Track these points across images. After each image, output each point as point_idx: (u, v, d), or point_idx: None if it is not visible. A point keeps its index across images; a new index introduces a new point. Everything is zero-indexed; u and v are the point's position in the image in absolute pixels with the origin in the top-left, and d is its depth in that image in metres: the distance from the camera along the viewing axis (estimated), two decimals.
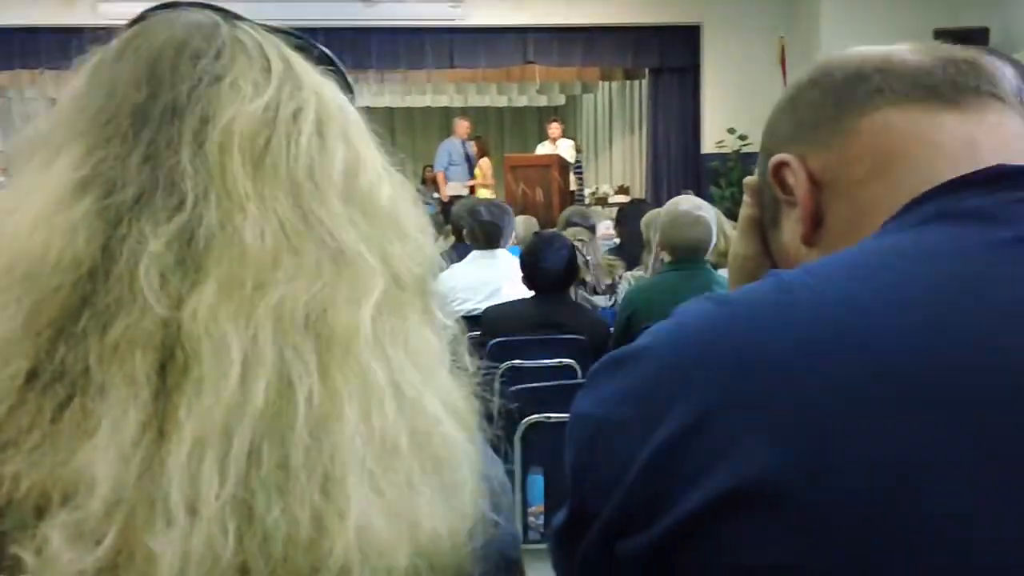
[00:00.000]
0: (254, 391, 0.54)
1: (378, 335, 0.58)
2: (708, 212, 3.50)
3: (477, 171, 11.22)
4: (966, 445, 0.56)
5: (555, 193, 9.88)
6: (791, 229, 0.79)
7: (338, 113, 0.65)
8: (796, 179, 0.77)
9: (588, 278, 4.13)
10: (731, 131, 10.79)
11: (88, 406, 0.53)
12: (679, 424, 0.60)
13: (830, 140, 0.76)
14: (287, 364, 0.55)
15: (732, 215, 4.94)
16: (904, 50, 0.77)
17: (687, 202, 3.53)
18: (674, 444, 0.60)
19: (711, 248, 3.53)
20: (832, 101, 0.76)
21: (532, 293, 3.55)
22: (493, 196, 10.35)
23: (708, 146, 11.28)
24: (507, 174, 10.20)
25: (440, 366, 0.62)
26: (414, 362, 0.60)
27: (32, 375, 0.54)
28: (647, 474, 0.61)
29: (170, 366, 0.54)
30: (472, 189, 11.02)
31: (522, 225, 4.99)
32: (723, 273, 3.60)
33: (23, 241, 0.56)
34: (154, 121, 0.60)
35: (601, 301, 4.12)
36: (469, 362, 0.65)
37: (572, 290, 3.76)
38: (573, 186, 11.24)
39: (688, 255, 3.39)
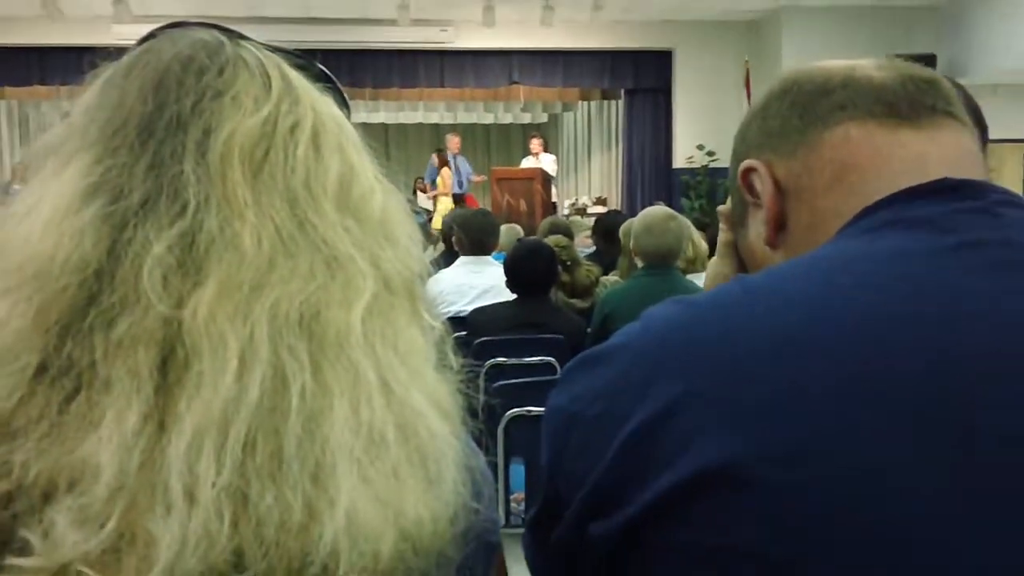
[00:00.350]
0: (250, 386, 0.53)
1: (368, 335, 0.58)
2: (678, 222, 3.50)
3: (439, 181, 11.27)
4: (907, 442, 0.56)
5: (538, 204, 9.88)
6: (756, 229, 0.79)
7: (334, 127, 0.64)
8: (762, 184, 0.77)
9: (567, 280, 4.12)
10: (700, 147, 10.84)
11: (93, 399, 0.53)
12: (649, 414, 0.60)
13: (795, 150, 0.76)
14: (282, 361, 0.55)
15: (700, 225, 4.95)
16: (868, 66, 0.77)
17: (659, 212, 3.53)
18: (645, 432, 0.60)
19: (681, 255, 3.54)
20: (799, 113, 0.76)
21: (515, 296, 3.55)
22: (452, 205, 10.48)
23: (679, 161, 11.33)
24: (493, 186, 10.19)
25: (426, 364, 0.62)
26: (402, 360, 0.59)
27: (41, 369, 0.53)
28: (620, 459, 0.61)
29: (171, 362, 0.54)
30: (435, 199, 11.10)
31: (507, 233, 4.98)
32: (691, 278, 3.61)
33: (34, 243, 0.56)
34: (159, 132, 0.59)
35: (579, 303, 4.12)
36: (454, 360, 0.65)
37: (552, 293, 3.75)
38: (555, 197, 11.25)
39: (659, 261, 3.39)
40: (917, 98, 0.74)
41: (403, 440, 0.57)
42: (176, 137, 0.59)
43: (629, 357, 0.65)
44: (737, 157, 0.81)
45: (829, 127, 0.74)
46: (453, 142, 11.55)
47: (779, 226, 0.76)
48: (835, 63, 0.79)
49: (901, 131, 0.72)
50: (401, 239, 0.64)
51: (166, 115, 0.60)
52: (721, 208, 0.88)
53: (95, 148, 0.59)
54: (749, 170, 0.78)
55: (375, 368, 0.57)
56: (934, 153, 0.71)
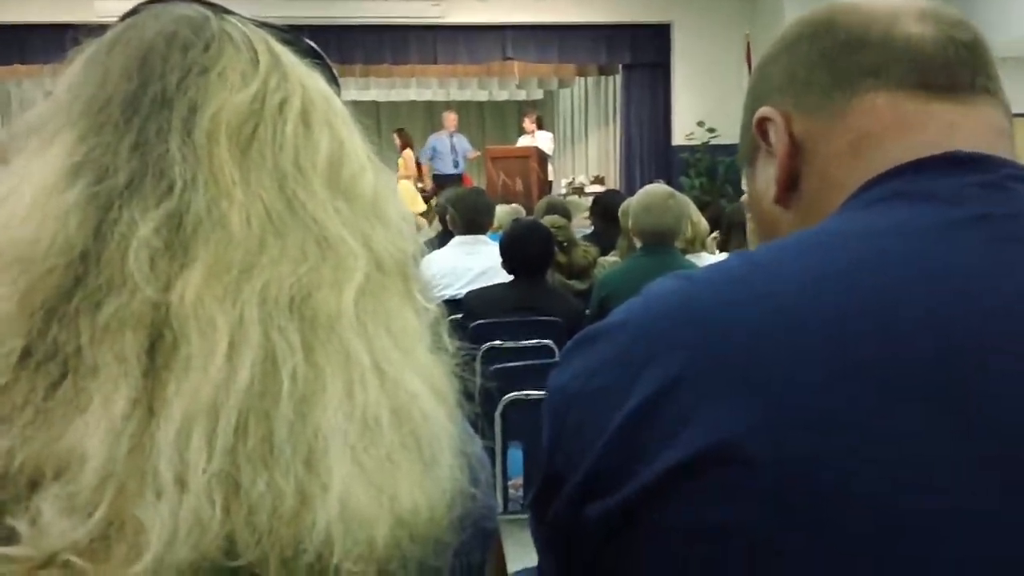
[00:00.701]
0: (240, 369, 0.53)
1: (360, 316, 0.58)
2: (678, 200, 3.50)
3: (400, 162, 11.20)
4: (917, 430, 0.56)
5: (534, 183, 9.88)
6: (766, 177, 0.78)
7: (323, 104, 0.64)
8: (778, 138, 0.76)
9: (564, 261, 4.12)
10: (700, 124, 10.82)
11: (80, 384, 0.52)
12: (650, 391, 0.60)
13: (818, 110, 0.74)
14: (272, 343, 0.55)
15: (701, 203, 4.93)
16: (910, 16, 0.74)
17: (658, 190, 3.53)
18: (644, 410, 0.60)
19: (680, 235, 3.54)
20: (827, 67, 0.74)
21: (511, 278, 3.55)
22: (421, 185, 10.45)
23: (678, 138, 11.31)
24: (488, 165, 10.18)
25: (420, 346, 0.62)
26: (395, 343, 0.59)
27: (26, 353, 0.53)
28: (618, 439, 0.61)
29: (159, 346, 0.54)
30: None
31: (508, 214, 4.97)
32: (690, 258, 3.61)
33: (18, 225, 0.56)
34: (144, 110, 0.59)
35: (576, 285, 4.12)
36: (449, 343, 0.65)
37: (549, 274, 3.75)
38: (551, 176, 11.22)
39: (658, 241, 3.39)
40: (956, 69, 0.72)
41: (397, 424, 0.57)
42: (161, 115, 0.59)
43: (629, 333, 0.65)
44: (755, 96, 0.79)
45: (858, 94, 0.72)
46: (450, 119, 11.49)
47: (790, 185, 0.75)
48: (877, 5, 0.75)
49: (932, 105, 0.71)
50: (393, 219, 0.64)
51: (151, 92, 0.59)
52: (746, 198, 0.87)
53: (78, 126, 0.59)
54: (765, 119, 0.76)
55: (368, 350, 0.57)
56: (962, 132, 0.70)
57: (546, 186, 10.46)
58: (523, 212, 5.62)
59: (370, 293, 0.59)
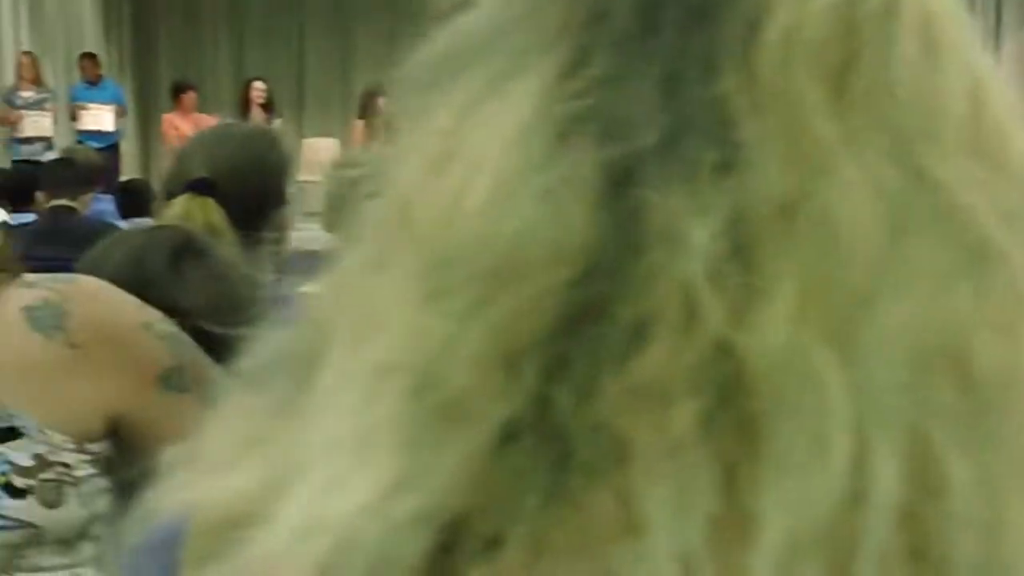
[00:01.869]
0: (877, 473, 0.53)
1: None
2: None
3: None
4: None
5: None
6: None
7: (950, 9, 0.64)
8: None
9: None
10: None
11: (612, 487, 0.54)
12: None
13: None
14: (924, 431, 0.54)
15: None
16: None
17: None
18: None
19: None
20: None
21: None
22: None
23: None
24: None
25: None
26: None
27: (511, 433, 0.55)
28: None
29: (728, 423, 0.54)
30: None
31: None
32: None
33: (477, 212, 0.56)
34: (670, 23, 0.59)
35: None
36: None
37: None
38: None
39: None
40: None
41: None
42: (700, 32, 0.59)
43: None
44: None
45: None
46: None
47: None
48: None
49: None
50: None
51: None
52: None
53: (558, 48, 0.60)
54: None
55: None
56: None
57: None
58: None
59: None
